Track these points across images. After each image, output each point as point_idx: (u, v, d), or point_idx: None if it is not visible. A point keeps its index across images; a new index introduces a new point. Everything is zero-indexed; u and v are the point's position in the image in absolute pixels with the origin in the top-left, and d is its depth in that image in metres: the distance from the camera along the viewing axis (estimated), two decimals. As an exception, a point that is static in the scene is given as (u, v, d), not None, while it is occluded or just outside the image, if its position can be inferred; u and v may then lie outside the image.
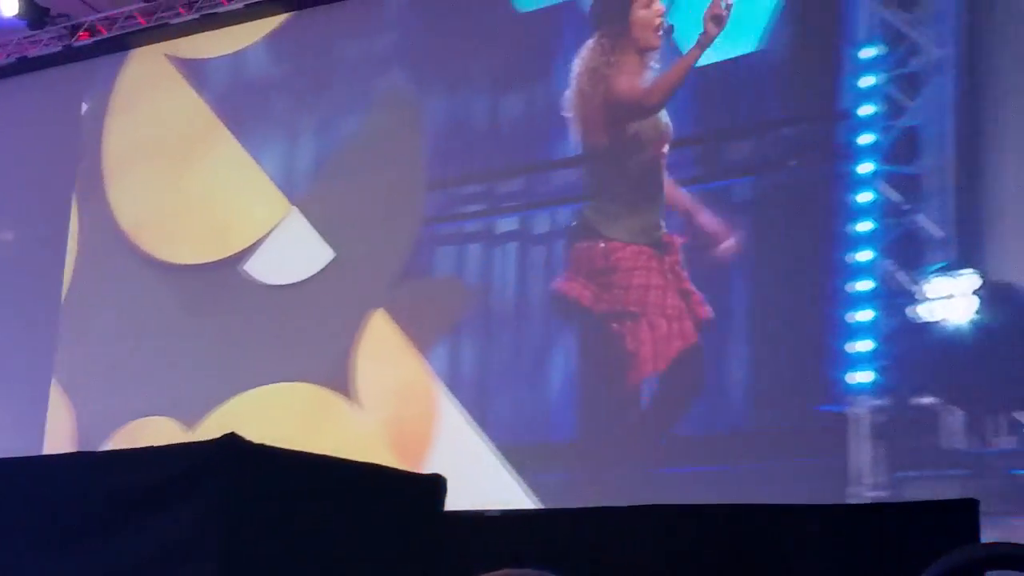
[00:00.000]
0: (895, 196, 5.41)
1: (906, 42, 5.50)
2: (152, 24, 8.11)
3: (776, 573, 2.56)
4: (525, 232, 6.61)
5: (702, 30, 5.95)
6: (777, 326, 5.59)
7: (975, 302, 5.06)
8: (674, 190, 5.94)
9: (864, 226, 5.44)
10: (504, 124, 6.85)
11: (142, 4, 8.13)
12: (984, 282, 5.06)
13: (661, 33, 6.02)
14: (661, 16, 6.03)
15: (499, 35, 6.99)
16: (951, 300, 5.11)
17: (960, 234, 5.21)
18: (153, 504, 2.47)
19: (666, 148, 5.96)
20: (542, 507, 5.53)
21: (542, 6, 6.84)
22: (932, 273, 5.21)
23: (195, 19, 7.99)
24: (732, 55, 6.05)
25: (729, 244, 5.69)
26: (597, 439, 6.00)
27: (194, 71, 8.10)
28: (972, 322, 5.08)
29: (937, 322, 5.16)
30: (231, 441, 2.42)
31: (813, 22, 5.83)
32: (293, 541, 2.51)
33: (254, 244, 7.50)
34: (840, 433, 5.26)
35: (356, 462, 2.79)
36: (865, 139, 5.52)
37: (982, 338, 5.05)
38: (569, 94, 6.29)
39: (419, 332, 6.73)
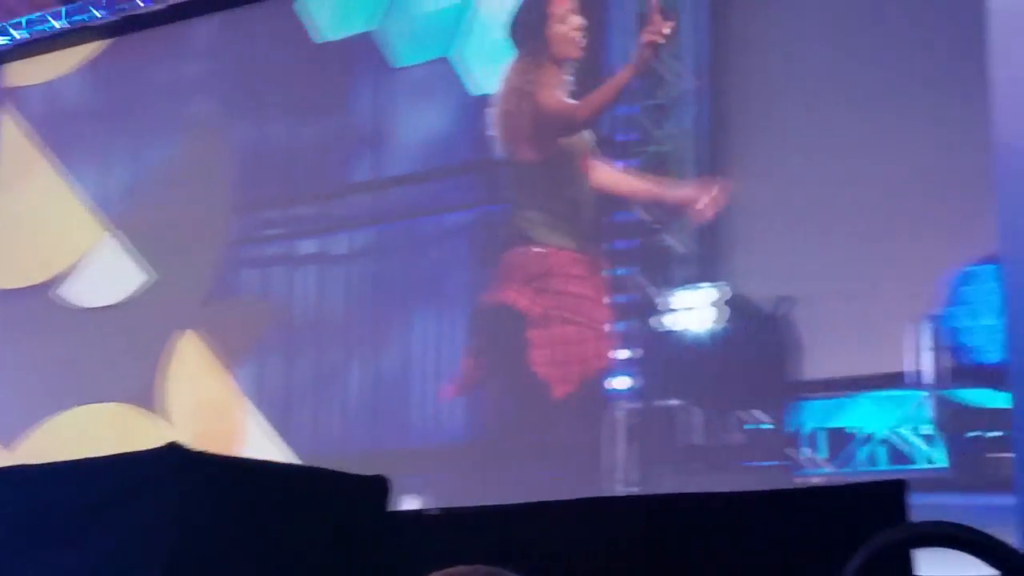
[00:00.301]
0: (647, 216, 5.93)
1: (656, 75, 6.02)
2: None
3: (714, 559, 2.59)
4: (324, 254, 7.00)
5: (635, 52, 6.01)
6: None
7: (713, 313, 5.61)
8: (618, 179, 5.98)
9: (623, 243, 5.95)
10: (305, 149, 7.22)
11: (61, 4, 8.07)
12: (720, 295, 5.62)
13: (581, 46, 6.12)
14: (578, 29, 6.14)
15: (299, 64, 7.36)
16: (693, 311, 5.66)
17: (701, 251, 5.75)
18: (96, 516, 2.44)
19: (589, 159, 6.07)
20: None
21: (339, 37, 7.24)
22: (677, 287, 5.74)
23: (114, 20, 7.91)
24: (508, 86, 6.54)
25: (707, 201, 5.69)
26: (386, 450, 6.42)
27: (11, 97, 8.28)
28: (710, 331, 5.63)
29: (681, 331, 5.70)
30: (173, 449, 2.44)
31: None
32: (241, 546, 2.49)
33: (69, 268, 7.73)
34: (602, 434, 5.75)
35: (299, 466, 2.90)
36: (622, 164, 6.03)
37: (718, 345, 5.60)
38: (493, 112, 6.38)
39: (226, 351, 7.06)
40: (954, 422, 4.87)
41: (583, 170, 6.05)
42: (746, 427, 5.37)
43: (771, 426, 5.32)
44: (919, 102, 5.27)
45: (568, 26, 6.14)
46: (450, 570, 1.81)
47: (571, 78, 6.12)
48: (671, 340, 5.72)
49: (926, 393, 4.95)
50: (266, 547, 2.53)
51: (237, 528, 2.48)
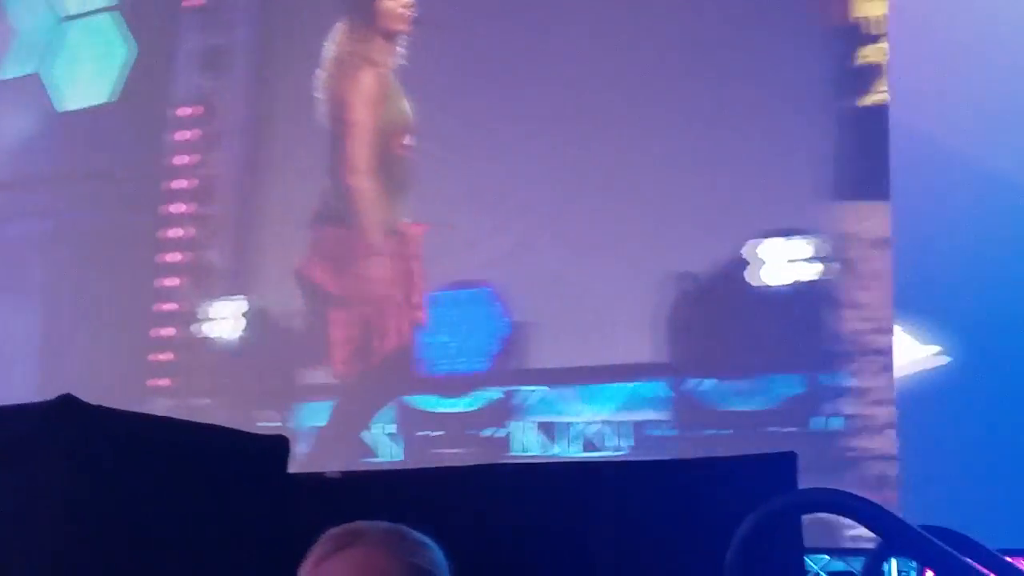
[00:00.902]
0: (196, 232, 6.60)
1: (209, 104, 6.68)
2: None
3: (605, 527, 2.61)
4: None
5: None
6: (109, 340, 6.69)
7: (243, 322, 6.36)
8: None
9: (173, 257, 6.60)
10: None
11: None
12: (249, 306, 6.37)
13: (409, 21, 6.10)
14: (407, 6, 6.14)
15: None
16: (226, 320, 6.39)
17: (237, 266, 6.46)
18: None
19: (407, 139, 6.04)
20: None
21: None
22: (216, 298, 6.45)
23: None
24: (91, 104, 7.09)
25: None
26: None
27: None
28: (240, 338, 6.38)
29: (217, 337, 6.41)
30: (68, 401, 2.44)
31: (150, 80, 6.92)
32: (137, 500, 2.50)
33: None
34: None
35: (199, 423, 2.87)
36: (178, 184, 6.68)
37: (247, 350, 6.36)
38: (322, 76, 6.29)
39: None
40: (408, 423, 5.78)
41: (401, 147, 6.05)
42: (259, 424, 6.10)
43: (279, 424, 6.08)
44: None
45: (396, 2, 6.18)
46: (350, 525, 1.87)
47: (403, 50, 6.14)
48: (209, 345, 6.42)
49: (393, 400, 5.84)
50: (163, 501, 2.54)
51: (134, 481, 2.49)
